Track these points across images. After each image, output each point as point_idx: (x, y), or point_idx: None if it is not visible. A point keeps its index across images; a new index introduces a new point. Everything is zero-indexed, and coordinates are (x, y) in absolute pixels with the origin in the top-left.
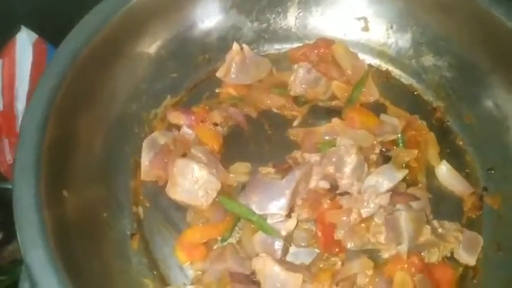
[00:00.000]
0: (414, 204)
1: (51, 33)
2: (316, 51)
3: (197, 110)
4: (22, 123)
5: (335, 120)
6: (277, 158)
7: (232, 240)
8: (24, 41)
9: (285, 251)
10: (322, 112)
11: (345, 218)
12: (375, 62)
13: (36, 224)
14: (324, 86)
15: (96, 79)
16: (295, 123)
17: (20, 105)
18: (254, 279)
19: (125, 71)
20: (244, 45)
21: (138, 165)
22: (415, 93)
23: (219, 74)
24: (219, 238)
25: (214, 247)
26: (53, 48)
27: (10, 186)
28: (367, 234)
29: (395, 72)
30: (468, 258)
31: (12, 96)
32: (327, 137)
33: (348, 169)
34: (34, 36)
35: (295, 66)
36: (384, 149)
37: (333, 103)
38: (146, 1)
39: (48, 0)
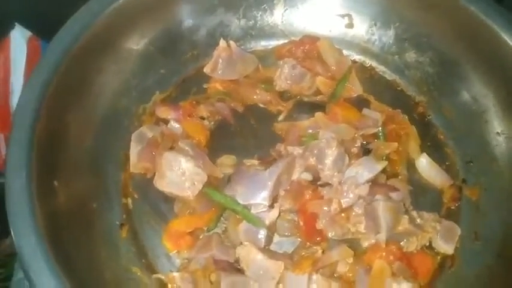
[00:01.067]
0: (394, 195)
1: (45, 31)
2: (301, 47)
3: (184, 105)
4: (14, 116)
5: (318, 115)
6: (263, 151)
7: (218, 230)
8: (18, 38)
9: (269, 240)
10: (306, 107)
11: (326, 208)
12: (359, 58)
13: (27, 212)
14: (308, 81)
15: (87, 74)
16: (280, 117)
17: (15, 101)
18: (238, 266)
19: (115, 66)
20: (231, 42)
21: (127, 158)
22: (398, 88)
23: (206, 70)
24: (205, 228)
25: (201, 236)
26: (47, 45)
27: None
28: (347, 224)
29: (379, 68)
30: (446, 247)
31: (7, 92)
32: (310, 131)
33: (329, 161)
34: (28, 33)
35: (281, 62)
36: (364, 142)
37: (318, 98)
38: None
39: None
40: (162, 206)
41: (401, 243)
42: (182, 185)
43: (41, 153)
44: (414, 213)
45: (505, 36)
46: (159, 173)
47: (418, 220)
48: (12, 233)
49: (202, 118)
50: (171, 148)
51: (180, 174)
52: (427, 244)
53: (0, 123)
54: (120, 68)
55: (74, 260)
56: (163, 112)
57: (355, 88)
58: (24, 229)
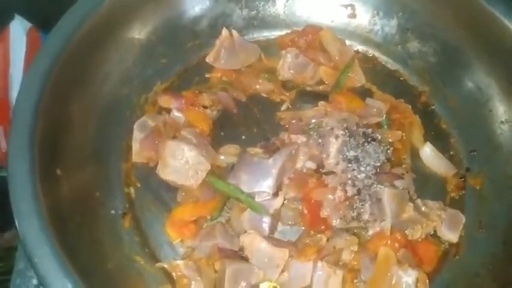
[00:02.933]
0: (398, 183)
1: (45, 22)
2: (304, 37)
3: (187, 94)
4: (16, 104)
5: (322, 103)
6: (266, 140)
7: (222, 219)
8: (18, 30)
9: (273, 228)
10: (309, 96)
11: (330, 197)
12: (361, 48)
13: (31, 199)
14: (311, 71)
15: (88, 63)
16: (283, 107)
17: (15, 93)
18: (242, 254)
19: (116, 55)
20: (233, 31)
21: (129, 147)
22: (401, 78)
23: (208, 59)
24: (209, 217)
25: (204, 226)
26: (46, 36)
27: (5, 174)
28: (351, 212)
29: (382, 58)
30: (451, 236)
31: (6, 84)
32: (313, 120)
33: (333, 149)
34: (28, 24)
35: (284, 52)
36: (369, 130)
37: (320, 88)
38: None
39: None
40: (165, 195)
41: (406, 231)
42: (186, 174)
43: (43, 142)
44: (419, 202)
45: (508, 24)
46: (162, 161)
47: (423, 208)
48: (15, 220)
49: (205, 107)
50: (174, 137)
51: (184, 163)
52: (432, 232)
53: None
54: (122, 57)
55: (77, 248)
56: (165, 101)
57: (358, 78)
58: (28, 216)
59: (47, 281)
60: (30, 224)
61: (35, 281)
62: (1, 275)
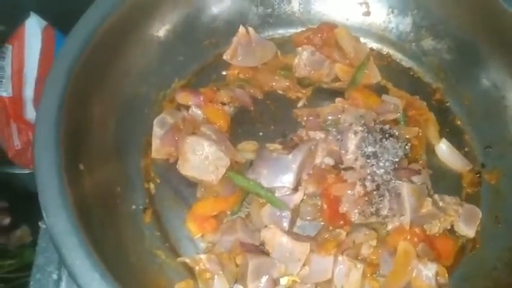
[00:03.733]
0: (415, 178)
1: (60, 20)
2: (319, 35)
3: (205, 91)
4: (40, 104)
5: (339, 100)
6: (283, 137)
7: (241, 214)
8: (34, 27)
9: (292, 222)
10: (325, 93)
11: (349, 192)
12: (376, 46)
13: (57, 192)
14: (327, 68)
15: (109, 61)
16: (299, 104)
17: (29, 91)
18: (263, 249)
19: (136, 53)
20: (250, 28)
21: (148, 144)
22: (416, 75)
23: (225, 57)
24: (229, 213)
25: (224, 221)
26: (62, 35)
27: (18, 171)
28: (370, 207)
29: (396, 55)
30: (467, 231)
31: (21, 82)
32: (330, 117)
33: (352, 145)
34: (43, 22)
35: (300, 49)
36: (387, 126)
37: (336, 85)
38: None
39: None
40: (185, 190)
41: (424, 226)
42: (206, 170)
43: (67, 139)
44: (436, 197)
45: None
46: (182, 157)
47: (441, 203)
48: (43, 212)
49: (223, 104)
50: (193, 133)
51: (204, 158)
52: (449, 227)
53: (13, 113)
54: (141, 55)
55: (101, 241)
56: (183, 98)
57: (373, 75)
58: (56, 209)
59: (74, 271)
60: (58, 216)
61: (55, 276)
62: (13, 272)
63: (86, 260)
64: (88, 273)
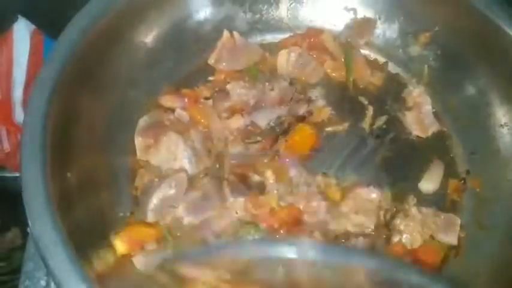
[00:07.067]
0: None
1: (48, 25)
2: (307, 40)
3: (187, 92)
4: (27, 110)
5: None
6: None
7: None
8: (22, 31)
9: None
10: None
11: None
12: (363, 51)
13: (43, 199)
14: (313, 69)
15: (97, 67)
16: None
17: (17, 94)
18: None
19: (124, 59)
20: (234, 32)
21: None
22: (402, 81)
23: (210, 61)
24: None
25: None
26: (50, 39)
27: (7, 174)
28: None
29: (383, 61)
30: (449, 239)
31: (9, 85)
32: None
33: None
34: (32, 26)
35: (286, 50)
36: None
37: None
38: None
39: None
40: None
41: (404, 242)
42: (165, 166)
43: (54, 144)
44: (413, 210)
45: (508, 30)
46: (155, 145)
47: (419, 216)
48: (29, 221)
49: (207, 98)
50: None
51: (171, 158)
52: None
53: (1, 116)
54: (129, 61)
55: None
56: (168, 100)
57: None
58: (39, 211)
59: (60, 281)
60: (43, 225)
61: (43, 282)
62: (4, 275)
63: (73, 272)
64: (76, 285)
